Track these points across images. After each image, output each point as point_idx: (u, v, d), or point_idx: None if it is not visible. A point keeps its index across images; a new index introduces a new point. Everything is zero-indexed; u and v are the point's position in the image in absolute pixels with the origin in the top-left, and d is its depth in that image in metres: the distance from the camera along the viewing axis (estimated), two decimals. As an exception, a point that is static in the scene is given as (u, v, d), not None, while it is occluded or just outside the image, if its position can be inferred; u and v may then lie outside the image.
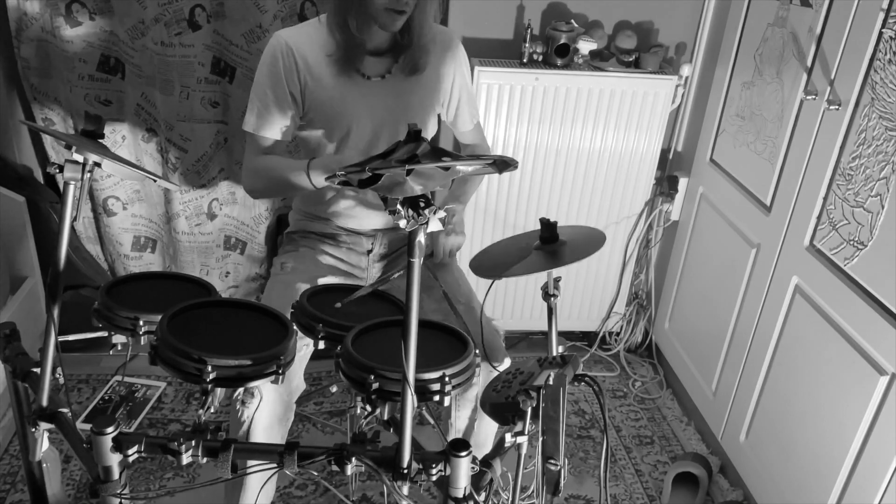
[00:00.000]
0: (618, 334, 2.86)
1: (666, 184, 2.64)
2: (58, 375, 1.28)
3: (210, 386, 1.13)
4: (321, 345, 1.36)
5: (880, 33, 1.68)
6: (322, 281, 1.76)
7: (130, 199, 2.50)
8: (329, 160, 1.64)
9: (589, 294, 2.76)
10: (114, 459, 1.17)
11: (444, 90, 1.82)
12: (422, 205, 0.99)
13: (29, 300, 2.39)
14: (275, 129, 1.73)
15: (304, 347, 1.61)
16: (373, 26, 1.64)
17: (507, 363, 1.68)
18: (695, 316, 2.52)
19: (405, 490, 1.12)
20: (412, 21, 1.64)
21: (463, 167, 1.00)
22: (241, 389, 1.51)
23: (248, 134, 1.76)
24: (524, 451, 1.22)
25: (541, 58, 2.40)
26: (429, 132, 1.84)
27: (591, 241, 1.56)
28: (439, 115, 1.87)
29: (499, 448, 1.30)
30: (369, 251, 1.87)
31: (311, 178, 1.60)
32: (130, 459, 1.18)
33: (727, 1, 2.34)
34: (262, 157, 1.75)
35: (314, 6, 2.31)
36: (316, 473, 2.02)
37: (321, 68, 1.69)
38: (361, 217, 1.84)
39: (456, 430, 1.77)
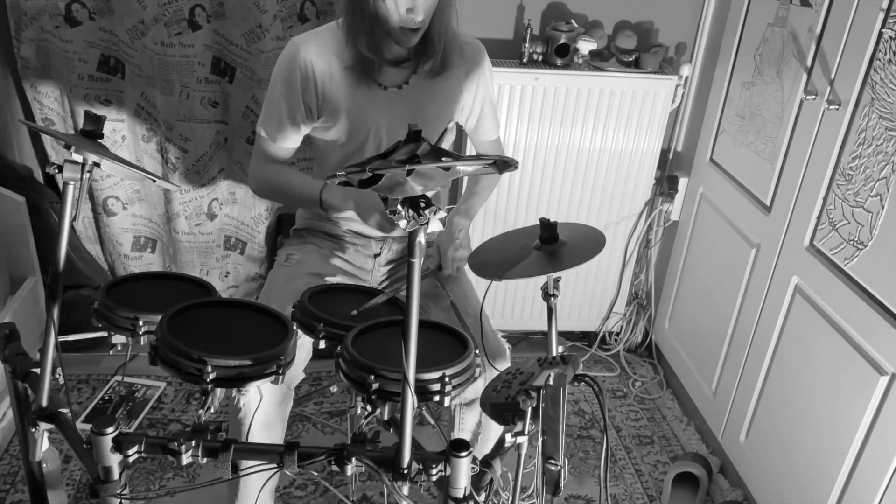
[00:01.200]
0: (618, 334, 2.86)
1: (666, 184, 2.64)
2: (58, 375, 1.28)
3: (210, 386, 1.13)
4: (321, 344, 1.36)
5: (880, 33, 1.68)
6: (327, 278, 1.76)
7: (130, 199, 2.50)
8: (345, 189, 1.66)
9: (589, 294, 2.76)
10: (114, 459, 1.17)
11: (465, 101, 1.81)
12: (422, 205, 0.99)
13: (29, 300, 2.39)
14: (287, 138, 1.73)
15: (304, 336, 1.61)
16: (389, 41, 1.64)
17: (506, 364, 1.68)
18: (695, 316, 2.52)
19: (405, 490, 1.12)
20: (431, 30, 1.63)
21: (463, 167, 1.00)
22: None
23: (258, 137, 1.76)
24: (524, 451, 1.22)
25: (541, 58, 2.40)
26: (443, 142, 1.84)
27: (591, 244, 1.56)
28: (448, 126, 1.87)
29: (499, 448, 1.30)
30: (376, 255, 1.87)
31: (322, 205, 1.65)
32: (130, 459, 1.18)
33: (727, 1, 2.34)
34: (273, 167, 1.76)
35: (314, 6, 2.31)
36: (316, 473, 2.02)
37: (338, 79, 1.68)
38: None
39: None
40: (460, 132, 2.34)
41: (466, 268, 1.85)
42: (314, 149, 1.84)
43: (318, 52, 1.67)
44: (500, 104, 2.38)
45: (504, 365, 1.66)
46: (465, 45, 1.76)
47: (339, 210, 1.70)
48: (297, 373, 1.63)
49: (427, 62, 1.69)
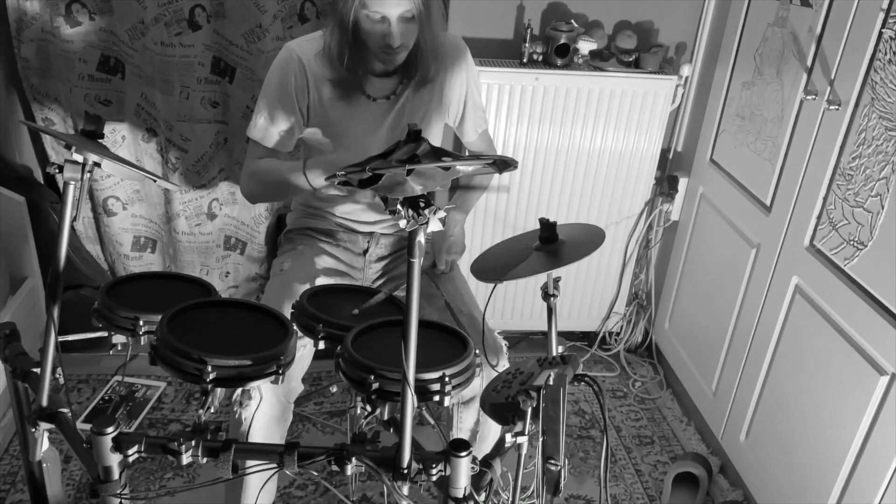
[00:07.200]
0: (618, 334, 2.86)
1: (666, 184, 2.64)
2: (58, 375, 1.28)
3: (210, 386, 1.13)
4: (321, 345, 1.36)
5: (880, 33, 1.68)
6: (319, 281, 1.76)
7: (130, 199, 2.50)
8: (325, 161, 1.64)
9: (589, 294, 2.76)
10: (114, 459, 1.17)
11: (452, 102, 1.82)
12: (422, 205, 0.99)
13: (29, 300, 2.39)
14: (280, 139, 1.73)
15: (302, 349, 1.61)
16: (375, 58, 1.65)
17: (505, 364, 1.68)
18: (695, 316, 2.52)
19: (405, 490, 1.12)
20: (418, 49, 1.63)
21: (463, 167, 1.00)
22: (238, 391, 1.52)
23: (252, 142, 1.76)
24: (524, 451, 1.22)
25: (541, 58, 2.40)
26: (435, 143, 1.84)
27: (590, 239, 1.56)
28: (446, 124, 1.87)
29: (499, 448, 1.30)
30: (365, 251, 1.87)
31: (308, 179, 1.60)
32: (130, 459, 1.18)
33: (727, 1, 2.34)
34: (259, 160, 1.75)
35: (314, 6, 2.32)
36: (316, 473, 2.01)
37: (329, 87, 1.69)
38: (360, 212, 1.84)
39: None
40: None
41: (462, 266, 1.85)
42: (304, 153, 1.84)
43: (312, 59, 1.68)
44: (500, 104, 2.38)
45: (502, 363, 1.66)
46: (446, 46, 1.76)
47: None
48: (295, 385, 1.63)
49: (415, 74, 1.71)
